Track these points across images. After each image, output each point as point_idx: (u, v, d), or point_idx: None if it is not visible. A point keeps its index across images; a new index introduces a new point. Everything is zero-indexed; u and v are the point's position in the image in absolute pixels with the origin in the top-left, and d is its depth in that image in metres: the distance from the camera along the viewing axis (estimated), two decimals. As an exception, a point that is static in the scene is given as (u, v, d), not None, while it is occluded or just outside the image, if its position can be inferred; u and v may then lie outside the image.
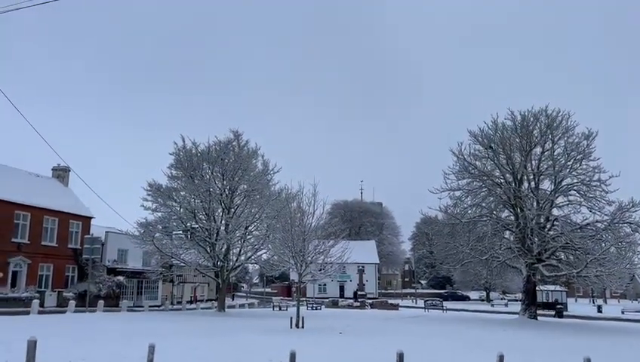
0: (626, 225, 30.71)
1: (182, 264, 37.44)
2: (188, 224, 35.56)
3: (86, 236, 37.29)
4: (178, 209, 34.88)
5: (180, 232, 36.28)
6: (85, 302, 31.43)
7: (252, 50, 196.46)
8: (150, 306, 40.69)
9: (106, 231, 43.86)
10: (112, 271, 42.59)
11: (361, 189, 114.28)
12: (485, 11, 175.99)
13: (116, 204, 39.47)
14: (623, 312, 51.57)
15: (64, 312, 28.30)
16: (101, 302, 31.57)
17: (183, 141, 35.63)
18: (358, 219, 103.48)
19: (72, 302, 29.89)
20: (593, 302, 74.49)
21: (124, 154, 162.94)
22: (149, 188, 34.84)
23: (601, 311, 53.27)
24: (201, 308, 44.10)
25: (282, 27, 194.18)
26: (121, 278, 42.26)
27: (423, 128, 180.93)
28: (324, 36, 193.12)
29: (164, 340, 14.93)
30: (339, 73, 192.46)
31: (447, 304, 53.00)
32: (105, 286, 39.85)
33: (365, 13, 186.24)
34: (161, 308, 43.88)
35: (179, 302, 50.12)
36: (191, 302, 54.03)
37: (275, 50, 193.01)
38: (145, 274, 44.59)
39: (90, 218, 43.04)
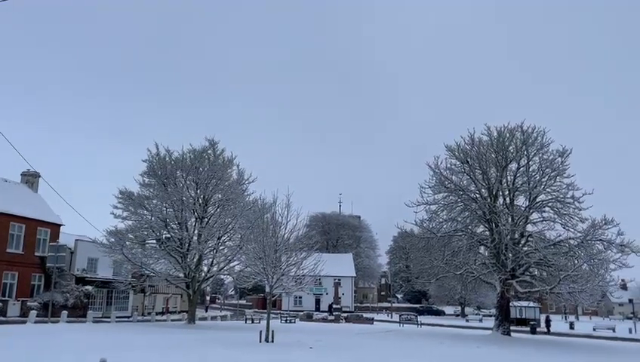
0: (598, 242, 30.82)
1: (152, 274, 36.53)
2: (159, 233, 34.76)
3: (51, 244, 36.11)
4: (149, 217, 34.11)
5: (153, 241, 35.48)
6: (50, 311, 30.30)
7: (228, 61, 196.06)
8: (119, 317, 39.51)
9: (76, 240, 42.63)
10: (81, 281, 41.29)
11: (340, 202, 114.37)
12: (463, 23, 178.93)
13: (88, 212, 38.34)
14: (594, 329, 51.95)
15: (25, 322, 27.18)
16: (64, 313, 30.47)
17: (157, 148, 35.01)
18: (336, 232, 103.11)
19: (34, 312, 28.75)
20: (566, 319, 75.06)
21: (98, 161, 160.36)
22: (120, 196, 34.06)
23: (573, 328, 53.58)
24: (171, 320, 43.04)
25: (255, 41, 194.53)
26: (89, 288, 40.96)
27: (402, 141, 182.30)
28: (299, 48, 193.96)
29: (122, 354, 14.28)
30: (317, 86, 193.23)
31: (422, 318, 52.72)
32: (72, 295, 38.58)
33: (341, 26, 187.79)
34: (129, 319, 42.65)
35: (149, 314, 48.88)
36: (162, 314, 52.77)
37: (251, 62, 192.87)
38: (115, 284, 43.37)
39: (60, 225, 41.74)
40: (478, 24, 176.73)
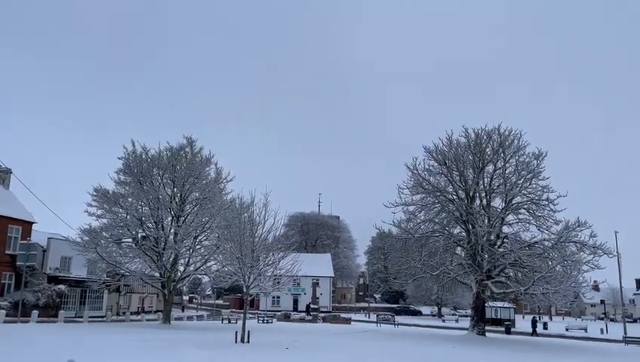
0: (572, 244, 31.38)
1: (127, 273, 35.92)
2: (135, 232, 34.20)
3: (21, 242, 35.26)
4: (125, 216, 33.52)
5: (129, 240, 34.88)
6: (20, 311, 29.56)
7: (207, 61, 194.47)
8: (93, 317, 38.75)
9: (49, 238, 41.67)
10: (54, 280, 40.37)
11: (319, 202, 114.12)
12: (446, 29, 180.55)
13: (61, 210, 37.51)
14: (567, 329, 52.91)
15: (-7, 322, 26.46)
16: (35, 312, 29.77)
17: (133, 145, 34.42)
18: (315, 232, 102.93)
19: (3, 312, 28.00)
20: (539, 319, 76.17)
21: (73, 158, 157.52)
22: (94, 194, 33.38)
23: (546, 328, 54.43)
24: (146, 320, 42.40)
25: (236, 42, 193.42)
26: (62, 287, 40.07)
27: (382, 142, 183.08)
28: (280, 49, 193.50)
29: (92, 355, 13.98)
30: (297, 86, 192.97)
31: (399, 318, 53.01)
32: (44, 295, 37.72)
33: (324, 27, 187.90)
34: (103, 319, 41.89)
35: (124, 313, 48.10)
36: (137, 313, 51.99)
37: (231, 62, 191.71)
38: (89, 283, 42.51)
39: (32, 223, 40.76)
40: (459, 26, 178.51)
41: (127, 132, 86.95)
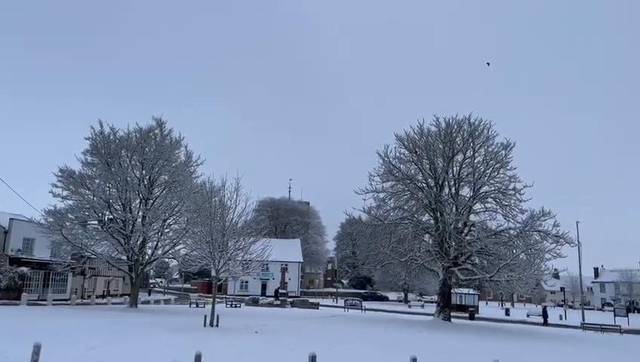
0: (536, 233, 32.23)
1: (93, 256, 35.29)
2: (102, 214, 33.55)
3: (-20, 223, 34.18)
4: (91, 198, 32.82)
5: (95, 222, 34.20)
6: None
7: (178, 44, 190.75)
8: (57, 300, 37.96)
9: (10, 219, 40.49)
10: (16, 262, 39.32)
11: (290, 188, 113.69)
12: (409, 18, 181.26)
13: (26, 190, 36.42)
14: (528, 315, 54.61)
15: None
16: (-4, 295, 28.99)
17: (101, 126, 33.67)
18: (285, 217, 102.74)
19: (-38, 294, 27.18)
20: (502, 306, 78.41)
21: (37, 137, 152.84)
22: (60, 174, 32.56)
23: (508, 314, 56.04)
24: (112, 303, 41.79)
25: (205, 31, 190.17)
26: (24, 269, 39.07)
27: (354, 129, 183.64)
28: (249, 38, 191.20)
29: (57, 338, 13.73)
30: (269, 74, 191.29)
31: (366, 304, 53.62)
32: (5, 277, 36.77)
33: (287, 18, 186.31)
34: (67, 302, 41.08)
35: (89, 296, 47.27)
36: (103, 297, 51.17)
37: (201, 50, 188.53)
38: (53, 265, 41.57)
39: (-8, 203, 39.58)
40: (424, 19, 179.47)
41: (94, 113, 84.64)
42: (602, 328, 36.03)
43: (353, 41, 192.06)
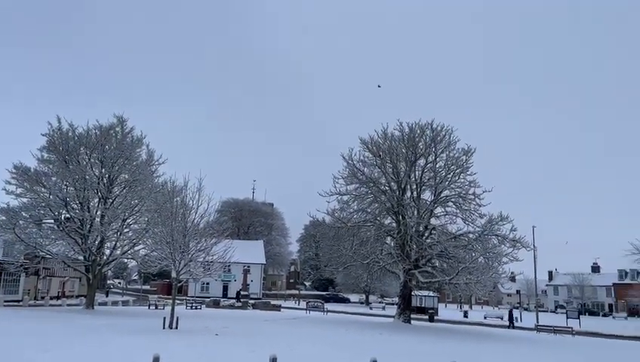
0: (494, 237, 33.09)
1: (48, 256, 34.19)
2: (58, 213, 32.55)
3: None
4: (47, 196, 31.80)
5: (51, 221, 33.14)
6: None
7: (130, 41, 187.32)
8: (8, 301, 36.61)
9: (-40, 216, 38.79)
10: (-36, 261, 37.82)
11: (253, 189, 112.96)
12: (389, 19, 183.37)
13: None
14: (485, 317, 55.97)
15: None
16: (-57, 296, 27.73)
17: (59, 122, 32.70)
18: (248, 219, 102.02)
19: None
20: (460, 308, 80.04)
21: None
22: (13, 171, 31.45)
23: (467, 316, 57.25)
24: (67, 305, 40.54)
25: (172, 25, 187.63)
26: (-27, 269, 37.63)
27: (317, 131, 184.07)
28: (215, 38, 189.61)
29: (7, 341, 13.27)
30: (233, 73, 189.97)
31: (328, 306, 53.73)
32: (-47, 277, 35.27)
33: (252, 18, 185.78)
34: (20, 303, 39.66)
35: (43, 298, 45.76)
36: (58, 298, 49.60)
37: (168, 51, 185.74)
38: (4, 265, 40.06)
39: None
40: (400, 19, 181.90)
41: (53, 108, 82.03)
42: (555, 330, 37.19)
43: (316, 41, 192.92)
